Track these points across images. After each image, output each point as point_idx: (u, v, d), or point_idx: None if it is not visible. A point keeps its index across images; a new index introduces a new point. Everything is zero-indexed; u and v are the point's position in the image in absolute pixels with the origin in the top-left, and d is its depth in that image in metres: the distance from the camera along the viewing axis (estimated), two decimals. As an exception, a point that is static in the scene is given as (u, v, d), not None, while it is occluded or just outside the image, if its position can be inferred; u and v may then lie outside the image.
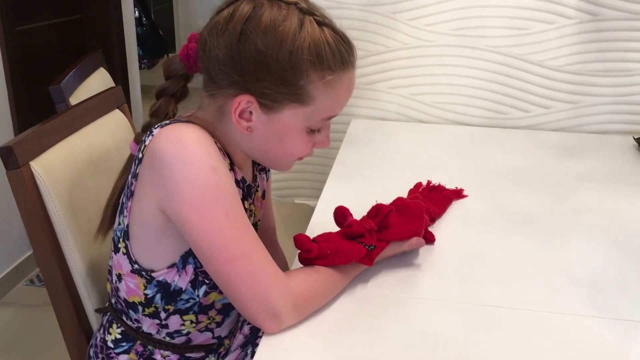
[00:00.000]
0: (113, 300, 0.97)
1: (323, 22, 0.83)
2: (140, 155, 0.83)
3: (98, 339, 0.99)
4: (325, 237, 0.93)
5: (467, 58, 1.73)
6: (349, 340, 0.81)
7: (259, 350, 0.79)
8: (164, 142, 0.80)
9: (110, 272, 0.96)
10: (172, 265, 0.87)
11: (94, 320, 1.06)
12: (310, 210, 1.93)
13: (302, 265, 0.91)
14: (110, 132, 1.21)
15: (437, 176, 1.32)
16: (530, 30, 1.68)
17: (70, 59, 2.97)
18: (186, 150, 0.79)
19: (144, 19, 3.52)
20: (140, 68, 3.32)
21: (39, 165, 0.98)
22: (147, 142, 0.83)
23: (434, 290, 0.94)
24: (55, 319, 1.04)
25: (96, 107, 1.20)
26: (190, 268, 0.88)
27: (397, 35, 1.73)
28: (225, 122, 0.88)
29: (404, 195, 1.24)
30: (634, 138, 1.64)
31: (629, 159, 1.55)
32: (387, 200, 1.02)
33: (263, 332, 1.05)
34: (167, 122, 0.85)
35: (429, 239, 1.07)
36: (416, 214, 1.01)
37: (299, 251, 0.91)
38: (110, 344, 0.96)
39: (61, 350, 1.10)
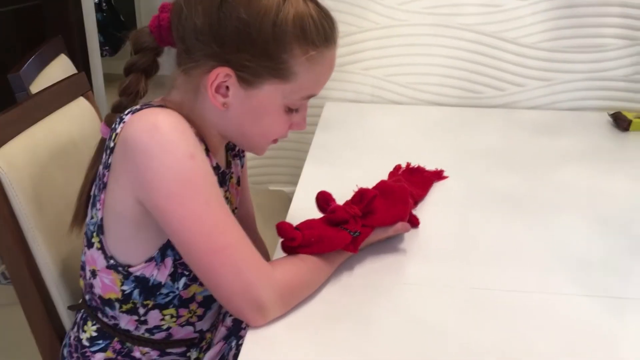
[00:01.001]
0: (87, 297, 0.92)
1: None
2: (112, 144, 0.78)
3: (72, 338, 0.94)
4: (308, 224, 0.89)
5: (440, 37, 1.70)
6: (338, 330, 0.79)
7: (245, 345, 0.76)
8: (137, 129, 0.75)
9: (83, 268, 0.90)
10: (150, 259, 0.83)
11: (66, 318, 1.01)
12: (286, 196, 1.89)
13: (285, 255, 0.88)
14: (75, 121, 1.15)
15: (415, 158, 1.29)
16: (503, 7, 1.66)
17: (29, 46, 2.86)
18: (162, 137, 0.74)
19: (104, 4, 3.40)
20: (102, 55, 3.22)
21: (1, 159, 0.92)
22: (118, 130, 0.77)
23: (421, 275, 0.92)
24: (24, 318, 0.99)
25: (59, 95, 1.14)
26: (169, 261, 0.83)
27: (370, 15, 1.69)
28: (200, 101, 0.83)
29: (384, 178, 1.21)
30: (608, 114, 1.64)
31: (605, 135, 1.55)
32: (368, 184, 0.99)
33: (247, 325, 1.02)
34: (138, 107, 0.80)
35: (414, 223, 1.05)
36: (401, 198, 0.99)
37: (282, 240, 0.88)
38: (85, 343, 0.91)
39: (31, 350, 1.05)
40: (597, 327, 0.80)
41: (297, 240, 0.85)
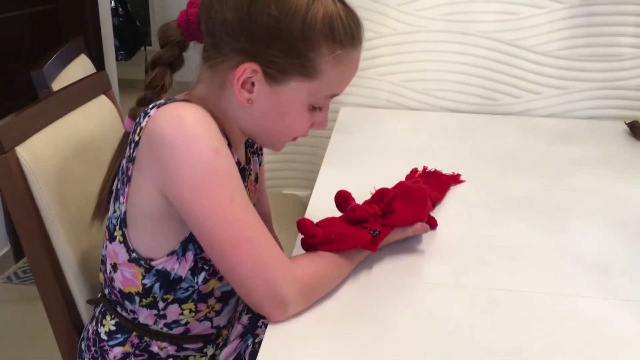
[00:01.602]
0: (107, 291, 0.92)
1: None
2: (137, 138, 0.79)
3: (90, 332, 0.95)
4: (328, 221, 0.90)
5: (457, 44, 1.71)
6: (357, 327, 0.79)
7: (265, 340, 0.76)
8: (162, 123, 0.75)
9: (103, 262, 0.91)
10: (172, 253, 0.83)
11: (85, 312, 1.02)
12: (299, 200, 1.90)
13: (304, 252, 0.88)
14: (96, 118, 1.16)
15: (432, 162, 1.30)
16: (520, 15, 1.67)
17: (45, 49, 2.89)
18: (187, 131, 0.74)
19: (120, 9, 3.44)
20: (117, 60, 3.25)
21: (25, 151, 0.93)
22: (143, 124, 0.78)
23: (439, 275, 0.92)
24: (37, 314, 1.00)
25: (81, 93, 1.15)
26: (190, 255, 0.84)
27: (387, 21, 1.70)
28: (224, 96, 0.84)
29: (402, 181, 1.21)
30: (625, 123, 1.64)
31: (622, 143, 1.55)
32: (386, 186, 0.99)
33: (264, 321, 1.03)
34: (163, 101, 0.81)
35: (432, 225, 1.05)
36: (420, 199, 0.99)
37: (302, 236, 0.88)
38: (103, 336, 0.92)
39: (47, 345, 1.06)
40: (617, 329, 0.80)
41: (317, 237, 0.85)
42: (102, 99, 1.21)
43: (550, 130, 1.64)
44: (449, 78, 1.75)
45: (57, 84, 1.33)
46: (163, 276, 0.85)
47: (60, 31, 3.01)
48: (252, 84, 0.81)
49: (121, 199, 0.83)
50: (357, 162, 1.39)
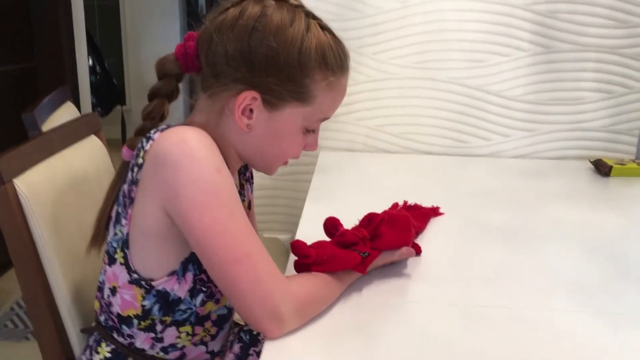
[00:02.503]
0: (102, 318, 0.94)
1: (325, 27, 0.88)
2: (140, 161, 0.83)
3: (84, 362, 0.95)
4: (320, 244, 0.94)
5: (428, 89, 1.80)
6: (350, 343, 0.81)
7: (264, 355, 0.78)
8: (167, 144, 0.80)
9: (100, 289, 0.93)
10: (172, 273, 0.86)
11: (76, 343, 1.02)
12: (281, 244, 1.93)
13: (296, 273, 0.91)
14: (88, 156, 1.19)
15: (410, 198, 1.35)
16: (487, 62, 1.77)
17: (23, 107, 2.92)
18: (191, 151, 0.79)
19: (98, 67, 3.50)
20: (93, 116, 3.29)
21: (22, 183, 0.96)
22: (146, 147, 0.82)
23: (426, 295, 0.96)
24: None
25: (74, 131, 1.19)
26: (189, 275, 0.87)
27: (362, 69, 1.79)
28: (223, 123, 0.89)
29: (384, 213, 1.26)
30: (590, 161, 1.73)
31: (588, 180, 1.63)
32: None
33: (255, 349, 1.04)
34: (165, 126, 0.85)
35: (416, 251, 1.09)
36: (404, 225, 1.04)
37: (295, 258, 0.92)
38: (98, 365, 0.93)
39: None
40: (592, 338, 0.84)
41: (311, 258, 0.89)
42: (93, 139, 1.25)
43: (520, 169, 1.72)
44: (422, 122, 1.83)
45: (46, 127, 1.36)
46: (163, 297, 0.87)
47: (38, 88, 3.05)
48: (251, 110, 0.87)
49: (123, 221, 0.86)
50: (339, 198, 1.44)
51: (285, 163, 0.96)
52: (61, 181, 1.07)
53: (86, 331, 1.00)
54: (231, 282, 0.80)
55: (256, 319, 0.80)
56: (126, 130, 3.96)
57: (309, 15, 0.88)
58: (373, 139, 1.85)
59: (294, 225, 1.93)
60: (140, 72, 4.89)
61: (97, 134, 1.27)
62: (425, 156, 1.83)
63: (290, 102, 0.87)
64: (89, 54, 3.30)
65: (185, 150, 0.78)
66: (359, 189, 1.52)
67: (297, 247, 0.90)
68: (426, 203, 1.34)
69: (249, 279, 0.79)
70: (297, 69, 0.84)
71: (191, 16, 4.93)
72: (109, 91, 3.54)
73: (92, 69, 3.41)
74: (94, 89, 3.40)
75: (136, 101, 4.80)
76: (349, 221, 1.02)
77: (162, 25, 4.78)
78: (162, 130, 0.83)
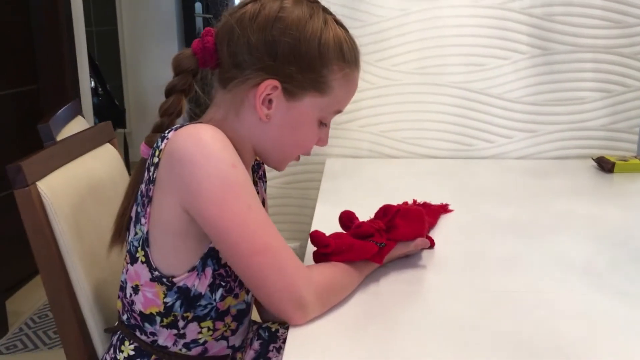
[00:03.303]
0: (125, 317, 0.95)
1: (340, 22, 0.92)
2: (156, 160, 0.85)
3: (108, 360, 0.97)
4: (338, 235, 0.96)
5: (431, 94, 1.84)
6: (371, 329, 0.83)
7: (289, 342, 0.80)
8: (182, 142, 0.82)
9: (122, 288, 0.95)
10: (192, 269, 0.88)
11: (99, 344, 1.04)
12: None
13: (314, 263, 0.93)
14: (103, 162, 1.22)
15: (419, 199, 1.38)
16: (487, 66, 1.81)
17: (26, 130, 2.95)
18: (206, 148, 0.81)
19: (100, 89, 3.54)
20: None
21: (45, 186, 0.98)
22: (162, 146, 0.84)
23: (442, 283, 0.98)
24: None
25: (90, 139, 1.22)
26: (209, 271, 0.88)
27: (366, 76, 1.82)
28: (241, 116, 0.92)
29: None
30: (592, 159, 1.76)
31: (591, 177, 1.66)
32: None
33: (275, 346, 1.06)
34: (179, 125, 0.88)
35: (430, 243, 1.11)
36: (418, 217, 1.06)
37: (315, 249, 0.94)
38: (123, 362, 0.94)
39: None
40: (611, 320, 0.86)
41: (330, 247, 0.91)
42: (108, 147, 1.28)
43: (524, 169, 1.74)
44: (426, 127, 1.86)
45: (60, 138, 1.39)
46: (184, 293, 0.89)
47: (42, 111, 3.08)
48: (270, 101, 0.89)
49: (142, 220, 0.88)
50: (349, 200, 1.46)
51: (297, 158, 0.98)
52: (80, 185, 1.09)
53: (109, 330, 1.02)
54: (254, 274, 0.82)
55: (280, 307, 0.82)
56: (129, 153, 3.99)
57: (326, 10, 0.93)
58: (378, 145, 1.88)
59: (302, 233, 1.96)
60: (140, 96, 4.94)
61: (111, 142, 1.30)
62: (430, 160, 1.86)
63: (309, 92, 0.90)
64: (91, 76, 3.33)
65: (200, 147, 0.81)
66: (368, 192, 1.54)
67: (316, 237, 0.92)
68: (434, 201, 1.37)
69: (271, 269, 0.81)
70: (317, 59, 0.88)
71: (189, 40, 5.00)
72: (111, 112, 3.57)
73: (94, 91, 3.44)
74: (97, 110, 3.43)
75: (136, 124, 4.84)
76: (362, 217, 1.04)
77: (161, 49, 4.84)
78: (177, 129, 0.85)
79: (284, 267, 0.82)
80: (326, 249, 0.91)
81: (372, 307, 0.89)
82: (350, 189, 1.56)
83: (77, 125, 1.57)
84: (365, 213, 1.05)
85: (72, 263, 1.00)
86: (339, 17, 0.94)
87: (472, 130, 1.85)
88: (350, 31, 0.95)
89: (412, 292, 0.95)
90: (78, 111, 1.63)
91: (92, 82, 3.38)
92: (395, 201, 1.34)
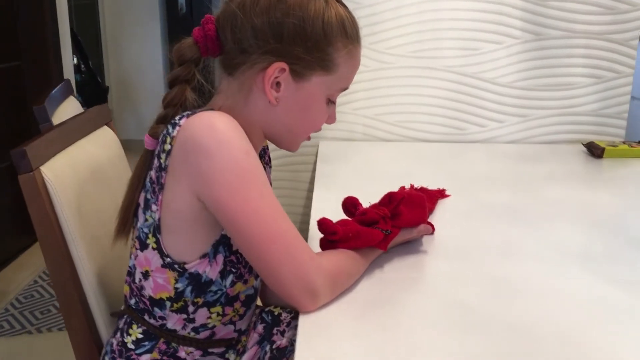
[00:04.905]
0: (133, 301, 0.95)
1: (341, 2, 0.92)
2: (169, 147, 0.84)
3: (114, 344, 0.97)
4: (344, 222, 0.97)
5: (425, 78, 1.84)
6: (379, 314, 0.85)
7: (300, 329, 0.80)
8: (196, 130, 0.81)
9: (130, 273, 0.94)
10: (204, 256, 0.88)
11: (103, 328, 1.04)
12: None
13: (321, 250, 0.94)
14: (102, 145, 1.21)
15: (415, 183, 1.39)
16: (481, 50, 1.82)
17: (9, 106, 2.90)
18: (220, 136, 0.81)
19: (83, 66, 3.48)
20: (80, 115, 3.27)
21: (48, 170, 0.98)
22: (174, 133, 0.84)
23: (445, 270, 0.99)
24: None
25: (88, 122, 1.20)
26: (220, 257, 0.89)
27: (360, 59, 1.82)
28: (249, 102, 0.91)
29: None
30: (582, 144, 1.79)
31: (582, 162, 1.68)
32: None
33: (279, 329, 1.07)
34: (189, 112, 0.87)
35: (431, 229, 1.13)
36: (419, 203, 1.07)
37: (322, 236, 0.94)
38: (130, 345, 0.94)
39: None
40: (607, 304, 0.89)
41: (338, 235, 0.92)
42: (105, 129, 1.26)
43: (516, 154, 1.77)
44: (419, 110, 1.87)
45: (55, 119, 1.37)
46: (195, 279, 0.89)
47: (25, 88, 3.03)
48: (278, 84, 0.89)
49: (153, 207, 0.87)
50: (345, 184, 1.47)
51: (308, 138, 0.99)
52: (81, 169, 1.08)
53: (116, 314, 1.02)
54: (266, 261, 0.82)
55: (292, 294, 0.83)
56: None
57: None
58: (371, 128, 1.88)
59: (295, 216, 1.96)
60: (121, 73, 4.86)
61: (108, 124, 1.29)
62: (423, 143, 1.87)
63: (316, 71, 0.90)
64: (73, 53, 3.28)
65: (214, 135, 0.80)
66: (364, 176, 1.55)
67: (324, 224, 0.93)
68: (429, 184, 1.38)
69: (283, 257, 0.82)
70: (322, 38, 0.88)
71: (171, 16, 4.92)
72: (94, 90, 3.52)
73: (77, 68, 3.39)
74: (80, 88, 3.38)
75: (117, 101, 4.78)
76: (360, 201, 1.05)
77: (143, 26, 4.76)
78: (188, 115, 0.84)
79: (296, 254, 0.83)
80: (334, 237, 0.92)
81: (378, 293, 0.91)
82: (346, 172, 1.56)
83: (70, 105, 1.55)
84: (363, 197, 1.06)
85: (75, 247, 1.00)
86: None
87: (465, 114, 1.87)
88: None
89: (416, 279, 0.96)
90: (70, 91, 1.60)
91: (75, 59, 3.32)
92: (393, 185, 1.36)
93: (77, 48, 3.43)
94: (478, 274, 0.98)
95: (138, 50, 4.82)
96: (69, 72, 3.21)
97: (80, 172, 1.07)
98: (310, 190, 1.95)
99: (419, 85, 1.85)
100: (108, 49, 4.76)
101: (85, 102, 3.61)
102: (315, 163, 1.78)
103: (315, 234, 0.98)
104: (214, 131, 0.81)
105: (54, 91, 1.42)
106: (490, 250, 1.07)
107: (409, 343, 0.77)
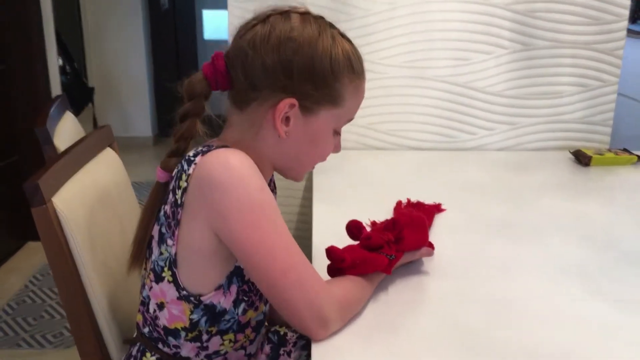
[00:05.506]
0: (147, 330, 0.98)
1: (344, 35, 0.96)
2: (184, 184, 0.87)
3: (128, 371, 0.99)
4: (350, 248, 1.00)
5: (416, 88, 1.87)
6: (386, 337, 0.89)
7: (314, 353, 0.84)
8: (212, 168, 0.84)
9: (144, 303, 0.97)
10: (219, 287, 0.91)
11: (115, 353, 1.06)
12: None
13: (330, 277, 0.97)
14: (107, 168, 1.23)
15: (409, 194, 1.43)
16: (471, 60, 1.85)
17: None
18: (235, 174, 0.83)
19: (68, 67, 3.45)
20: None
21: (59, 202, 0.99)
22: (189, 171, 0.86)
23: (445, 291, 1.03)
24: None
25: (92, 146, 1.22)
26: (234, 288, 0.92)
27: (352, 69, 1.84)
28: (258, 136, 0.94)
29: (389, 210, 1.34)
30: (569, 152, 1.83)
31: (570, 170, 1.73)
32: (378, 216, 1.12)
33: (285, 349, 1.10)
34: (204, 149, 0.89)
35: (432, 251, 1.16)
36: (420, 226, 1.11)
37: (329, 263, 0.98)
38: (145, 373, 0.97)
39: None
40: (602, 323, 0.93)
41: (346, 262, 0.95)
42: (109, 151, 1.28)
43: (505, 162, 1.81)
44: (411, 119, 1.90)
45: (57, 139, 1.38)
46: (210, 310, 0.92)
47: (10, 90, 3.00)
48: (287, 118, 0.92)
49: (169, 241, 0.90)
50: (343, 198, 1.50)
51: (312, 167, 1.02)
52: (89, 195, 1.10)
53: (129, 342, 1.04)
54: (280, 293, 0.85)
55: (304, 324, 0.86)
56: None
57: (331, 26, 0.95)
58: (364, 137, 1.91)
59: (289, 223, 1.99)
60: (105, 69, 4.82)
61: (111, 145, 1.30)
62: (415, 152, 1.91)
63: (324, 106, 0.93)
64: (58, 54, 3.25)
65: (230, 173, 0.83)
66: (361, 188, 1.58)
67: (332, 252, 0.96)
68: (424, 197, 1.42)
69: (296, 289, 0.85)
70: (330, 75, 0.91)
71: (154, 14, 4.88)
72: (79, 90, 3.50)
73: (62, 69, 3.36)
74: (65, 89, 3.36)
75: (101, 98, 4.73)
76: (360, 218, 1.09)
77: (125, 21, 4.72)
78: (203, 153, 0.87)
79: (308, 286, 0.86)
80: (342, 264, 0.95)
81: (384, 316, 0.94)
82: (343, 185, 1.59)
83: (68, 122, 1.55)
84: (361, 211, 1.09)
85: (87, 275, 1.02)
86: (325, 12, 0.97)
87: (455, 122, 1.91)
88: (338, 25, 0.97)
89: (419, 301, 1.00)
90: (66, 107, 1.61)
91: (60, 60, 3.29)
92: (388, 197, 1.40)
93: (62, 49, 3.40)
94: (477, 294, 1.02)
95: (121, 47, 4.78)
96: (54, 74, 3.19)
97: (88, 199, 1.09)
98: (305, 198, 1.97)
99: (411, 95, 1.88)
100: (90, 47, 4.71)
101: (72, 104, 3.58)
102: (310, 172, 1.80)
103: (318, 253, 1.02)
104: (229, 169, 0.84)
105: (51, 110, 1.43)
106: (487, 270, 1.11)
107: (419, 372, 0.81)
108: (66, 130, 1.48)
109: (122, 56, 4.78)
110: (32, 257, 3.04)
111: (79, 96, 3.53)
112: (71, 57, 3.51)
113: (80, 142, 1.19)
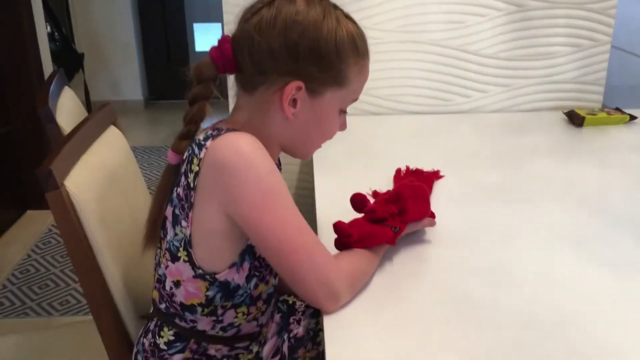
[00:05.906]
0: (163, 306, 1.01)
1: (348, 16, 0.97)
2: (196, 168, 0.89)
3: (147, 344, 1.04)
4: (356, 223, 1.03)
5: (411, 52, 1.88)
6: (393, 305, 0.93)
7: (326, 329, 0.88)
8: (223, 153, 0.87)
9: (160, 281, 1.00)
10: (233, 265, 0.94)
11: (132, 328, 1.11)
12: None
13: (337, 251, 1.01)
14: (112, 147, 1.24)
15: (407, 161, 1.46)
16: (465, 23, 1.86)
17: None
18: (247, 158, 0.86)
19: (56, 34, 3.41)
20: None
21: (71, 184, 1.01)
22: (201, 155, 0.89)
23: (448, 259, 1.07)
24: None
25: (97, 125, 1.23)
26: (246, 264, 0.95)
27: (348, 35, 1.85)
28: (266, 118, 0.96)
29: (388, 179, 1.37)
30: (563, 112, 1.86)
31: (563, 131, 1.77)
32: (378, 185, 1.17)
33: (295, 318, 1.15)
34: (214, 132, 0.92)
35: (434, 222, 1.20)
36: (422, 197, 1.14)
37: (336, 237, 1.01)
38: (163, 347, 1.01)
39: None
40: (597, 289, 0.98)
41: (353, 237, 0.99)
42: (113, 129, 1.29)
43: (500, 124, 1.84)
44: (407, 83, 1.92)
45: (58, 117, 1.39)
46: (225, 286, 0.95)
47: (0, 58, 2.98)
48: (295, 100, 0.94)
49: (183, 223, 0.93)
50: (343, 166, 1.53)
51: (319, 146, 1.05)
52: (98, 176, 1.12)
53: (147, 317, 1.08)
54: (292, 270, 0.89)
55: (316, 299, 0.90)
56: (89, 95, 3.90)
57: (335, 7, 0.96)
58: (360, 102, 1.93)
59: (291, 189, 2.02)
60: (92, 34, 4.75)
61: (114, 123, 1.32)
62: (410, 116, 1.93)
63: (330, 87, 0.95)
64: (46, 20, 3.21)
65: (240, 156, 0.86)
66: (359, 157, 1.60)
67: (340, 227, 0.99)
68: (422, 163, 1.45)
69: (307, 265, 0.89)
70: (335, 57, 0.93)
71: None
72: (69, 57, 3.46)
73: (50, 36, 3.32)
74: (55, 56, 3.32)
75: (90, 63, 4.67)
76: (360, 189, 1.13)
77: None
78: (214, 137, 0.89)
79: (318, 262, 0.90)
80: (349, 239, 0.99)
81: (391, 287, 0.99)
82: (341, 154, 1.62)
83: (67, 98, 1.56)
84: (362, 181, 1.10)
85: (102, 255, 1.05)
86: None
87: (450, 86, 1.92)
88: None
89: (422, 271, 1.04)
90: (64, 82, 1.61)
91: (48, 27, 3.25)
92: (388, 164, 1.43)
93: (49, 15, 3.35)
94: (478, 262, 1.06)
95: (107, 11, 4.70)
96: (43, 41, 3.15)
97: (98, 180, 1.11)
98: (304, 165, 2.00)
99: (406, 59, 1.89)
100: (76, 11, 4.63)
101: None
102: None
103: (323, 224, 1.06)
104: (240, 154, 0.86)
105: (51, 88, 1.43)
106: (486, 237, 1.15)
107: (421, 336, 0.86)
108: (67, 107, 1.49)
109: (109, 20, 4.71)
110: (31, 226, 3.07)
111: (69, 63, 3.50)
112: (59, 23, 3.46)
113: (84, 122, 1.20)
